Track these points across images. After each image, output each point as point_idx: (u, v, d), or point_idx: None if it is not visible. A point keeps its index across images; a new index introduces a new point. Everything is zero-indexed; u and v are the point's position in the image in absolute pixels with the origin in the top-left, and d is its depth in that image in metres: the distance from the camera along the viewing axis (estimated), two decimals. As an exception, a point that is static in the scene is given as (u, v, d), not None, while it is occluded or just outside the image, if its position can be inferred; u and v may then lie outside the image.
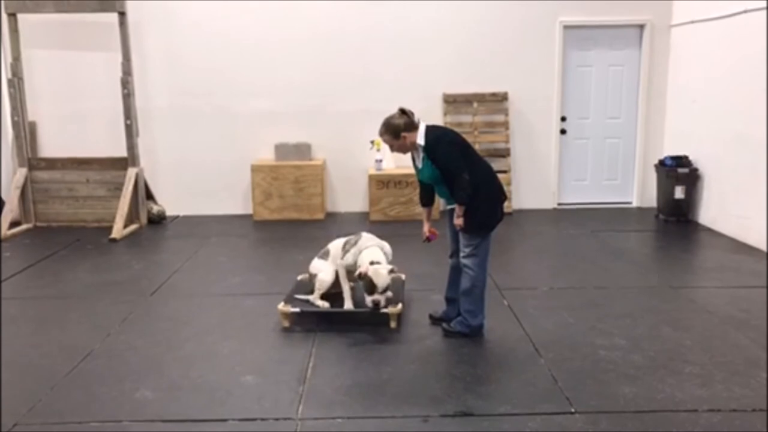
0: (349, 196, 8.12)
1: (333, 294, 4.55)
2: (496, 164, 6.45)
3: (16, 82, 7.30)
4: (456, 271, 4.21)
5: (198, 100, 7.85)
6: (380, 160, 7.71)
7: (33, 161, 7.50)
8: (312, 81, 7.83)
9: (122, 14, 7.14)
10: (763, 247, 6.09)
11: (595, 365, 3.75)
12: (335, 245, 4.58)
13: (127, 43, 7.23)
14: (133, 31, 7.41)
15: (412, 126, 3.93)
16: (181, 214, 8.03)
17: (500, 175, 4.49)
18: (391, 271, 4.16)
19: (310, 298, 4.54)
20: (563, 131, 8.09)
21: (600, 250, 6.26)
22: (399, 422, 3.16)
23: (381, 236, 4.56)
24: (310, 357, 3.90)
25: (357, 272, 4.16)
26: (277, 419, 3.21)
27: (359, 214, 7.97)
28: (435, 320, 4.39)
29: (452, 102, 7.88)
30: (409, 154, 4.14)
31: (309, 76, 7.83)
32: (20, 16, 7.31)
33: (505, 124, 7.95)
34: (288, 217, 7.70)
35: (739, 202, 6.50)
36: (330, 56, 7.80)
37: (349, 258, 4.35)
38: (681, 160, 7.31)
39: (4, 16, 7.25)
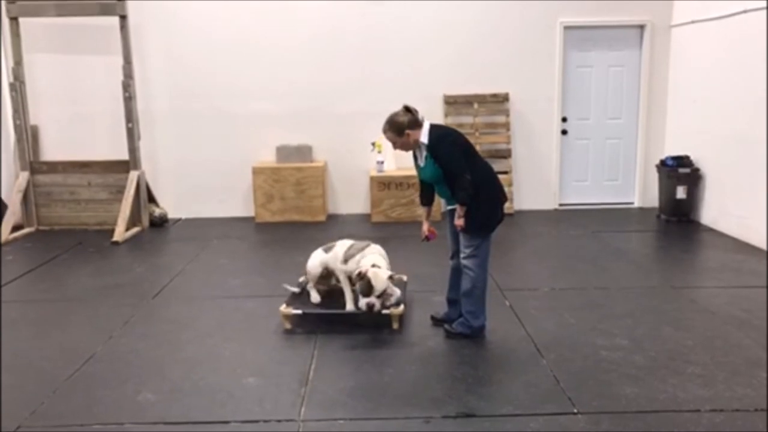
0: (351, 198, 8.13)
1: (332, 292, 4.60)
2: (497, 165, 6.46)
3: (18, 85, 7.32)
4: (457, 272, 4.21)
5: (199, 102, 7.87)
6: (381, 162, 7.71)
7: (35, 165, 7.52)
8: (313, 82, 7.84)
9: (123, 17, 7.16)
10: (765, 247, 6.08)
11: (597, 366, 3.75)
12: (342, 244, 4.58)
13: (128, 47, 7.25)
14: (134, 34, 7.43)
15: (416, 124, 3.93)
16: (183, 216, 8.04)
17: (501, 176, 4.49)
18: (391, 277, 4.17)
19: (301, 280, 4.69)
20: (564, 132, 8.09)
21: (601, 250, 6.26)
22: (401, 423, 3.16)
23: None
24: (312, 359, 3.90)
25: (357, 271, 4.16)
26: (279, 421, 3.21)
27: (360, 216, 7.97)
28: (437, 321, 4.39)
29: (453, 103, 7.89)
30: (410, 154, 4.14)
31: (310, 77, 7.84)
32: (22, 20, 7.33)
33: (506, 125, 7.95)
34: (289, 219, 7.70)
35: (741, 202, 6.49)
36: (330, 58, 7.81)
37: (351, 264, 4.35)
38: (682, 160, 7.30)
39: (6, 20, 7.28)
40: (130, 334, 4.36)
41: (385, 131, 3.98)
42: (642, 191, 8.17)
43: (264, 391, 3.51)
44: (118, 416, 3.28)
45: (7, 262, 6.17)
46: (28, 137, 7.45)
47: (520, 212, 7.98)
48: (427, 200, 4.27)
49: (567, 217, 7.75)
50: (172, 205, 7.95)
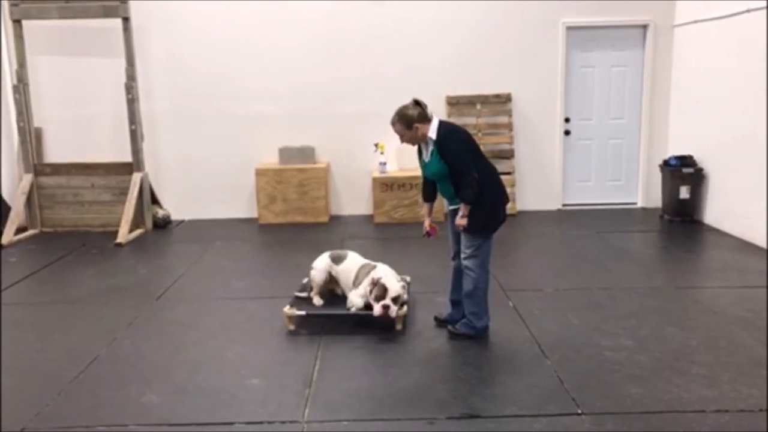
0: (353, 199, 8.13)
1: (334, 294, 4.63)
2: (500, 166, 6.45)
3: (22, 88, 7.34)
4: (459, 273, 4.21)
5: (202, 104, 7.88)
6: (384, 163, 7.71)
7: (38, 167, 7.53)
8: (315, 83, 7.85)
9: (126, 19, 7.17)
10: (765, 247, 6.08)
11: (601, 366, 3.74)
12: (353, 258, 4.58)
13: (131, 49, 7.26)
14: (137, 36, 7.44)
15: (425, 118, 3.93)
16: (186, 218, 8.05)
17: (504, 177, 4.49)
18: (402, 287, 4.25)
19: (306, 294, 4.66)
20: (567, 132, 8.08)
21: (605, 250, 6.25)
22: (405, 425, 3.16)
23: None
24: (316, 360, 3.91)
25: (370, 278, 4.22)
26: (283, 422, 3.21)
27: (363, 217, 7.97)
28: (440, 322, 4.39)
29: (455, 104, 7.88)
30: (414, 154, 4.14)
31: (311, 78, 7.84)
32: (25, 23, 7.35)
33: (509, 126, 7.94)
34: (292, 221, 7.71)
35: (744, 202, 6.47)
36: (332, 58, 7.81)
37: (360, 290, 4.36)
38: (686, 160, 7.29)
39: (9, 23, 7.29)
40: (133, 335, 4.37)
41: (393, 123, 3.97)
42: (645, 191, 8.16)
43: (268, 393, 3.51)
44: (122, 417, 3.28)
45: (11, 264, 6.19)
46: (31, 139, 7.47)
47: (523, 212, 7.97)
48: (429, 196, 4.27)
49: (570, 218, 7.74)
50: (175, 206, 7.96)
